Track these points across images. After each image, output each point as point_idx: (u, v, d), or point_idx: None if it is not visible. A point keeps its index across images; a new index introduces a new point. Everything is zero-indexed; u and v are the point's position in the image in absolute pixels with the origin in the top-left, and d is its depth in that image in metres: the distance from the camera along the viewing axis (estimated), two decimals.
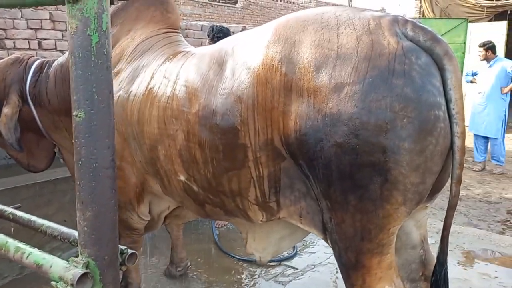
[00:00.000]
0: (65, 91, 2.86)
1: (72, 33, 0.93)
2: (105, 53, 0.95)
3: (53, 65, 2.95)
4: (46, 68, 2.95)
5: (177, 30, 2.77)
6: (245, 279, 3.30)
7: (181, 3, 13.46)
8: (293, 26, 1.85)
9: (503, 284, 3.24)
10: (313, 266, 3.47)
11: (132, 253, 1.11)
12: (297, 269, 3.44)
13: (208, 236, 4.00)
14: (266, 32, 1.93)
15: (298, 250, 3.73)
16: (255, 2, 15.85)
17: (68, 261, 1.02)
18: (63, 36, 4.43)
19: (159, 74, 2.34)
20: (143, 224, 2.76)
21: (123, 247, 1.11)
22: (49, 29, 4.32)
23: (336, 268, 3.04)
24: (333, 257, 1.93)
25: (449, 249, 3.64)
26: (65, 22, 4.44)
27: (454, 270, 3.41)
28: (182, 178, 2.22)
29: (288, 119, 1.78)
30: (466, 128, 7.52)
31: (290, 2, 17.37)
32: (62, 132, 3.01)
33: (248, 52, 1.95)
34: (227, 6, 14.78)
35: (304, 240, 3.90)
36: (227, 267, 3.46)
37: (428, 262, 2.08)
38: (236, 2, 15.60)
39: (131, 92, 2.42)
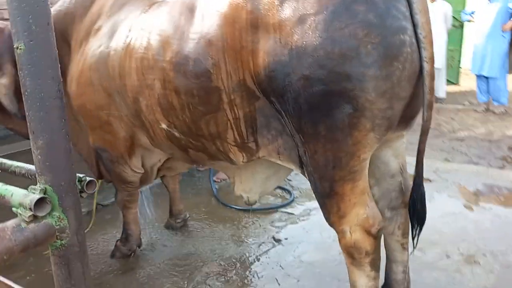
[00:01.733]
0: None
1: None
2: None
3: None
4: None
5: None
6: (243, 226, 3.39)
7: None
8: None
9: (498, 215, 3.29)
10: (309, 211, 3.55)
11: (90, 180, 1.17)
12: (293, 214, 3.52)
13: (207, 190, 4.09)
14: None
15: (295, 197, 3.80)
16: None
17: (27, 189, 1.08)
18: None
19: (136, 27, 2.36)
20: (137, 177, 2.84)
21: (81, 175, 1.17)
22: None
23: None
24: None
25: (445, 185, 3.69)
26: None
27: (449, 204, 3.47)
28: (163, 126, 2.27)
29: (257, 57, 1.79)
30: (468, 65, 7.28)
31: None
32: None
33: None
34: None
35: (301, 188, 3.98)
36: (226, 217, 3.56)
37: (407, 189, 2.12)
38: None
39: (111, 47, 2.45)
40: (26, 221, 1.03)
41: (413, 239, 2.07)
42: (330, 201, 1.87)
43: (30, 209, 1.02)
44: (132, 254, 3.05)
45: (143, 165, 2.85)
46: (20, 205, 1.05)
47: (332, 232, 3.09)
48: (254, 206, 3.68)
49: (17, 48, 1.00)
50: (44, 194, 1.05)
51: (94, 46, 2.56)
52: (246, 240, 3.17)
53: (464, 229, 3.08)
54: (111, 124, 2.61)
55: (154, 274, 2.85)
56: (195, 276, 2.79)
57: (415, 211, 2.00)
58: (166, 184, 3.40)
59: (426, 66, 1.72)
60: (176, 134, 2.26)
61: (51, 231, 1.07)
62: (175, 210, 3.43)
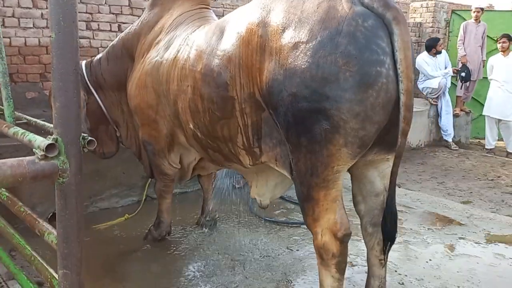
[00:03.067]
0: (116, 66, 3.51)
1: None
2: None
3: (105, 51, 3.63)
4: (95, 58, 3.63)
5: (207, 6, 3.26)
6: (265, 234, 3.68)
7: None
8: None
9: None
10: None
11: (90, 140, 1.57)
12: None
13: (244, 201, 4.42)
14: (254, 1, 2.32)
15: None
16: None
17: (46, 138, 1.51)
18: None
19: (184, 42, 2.83)
20: (173, 171, 3.29)
21: (85, 135, 1.58)
22: (128, 14, 5.06)
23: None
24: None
25: (473, 231, 3.68)
26: (142, 8, 5.14)
27: (467, 247, 3.48)
28: (191, 126, 2.69)
29: (262, 74, 2.14)
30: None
31: None
32: (118, 106, 3.65)
33: (239, 19, 2.35)
34: None
35: None
36: (251, 224, 3.87)
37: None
38: None
39: (164, 57, 2.94)
40: (39, 158, 1.46)
41: (383, 254, 2.26)
42: (307, 205, 2.12)
43: (43, 150, 1.45)
44: (162, 239, 3.48)
45: (181, 162, 3.30)
46: (38, 147, 1.48)
47: None
48: (281, 219, 3.97)
49: (51, 36, 1.45)
50: (56, 142, 1.48)
51: (152, 56, 3.08)
52: (261, 245, 3.46)
53: (473, 272, 3.09)
54: (157, 122, 3.09)
55: (170, 260, 3.25)
56: (207, 265, 3.13)
57: (386, 229, 2.17)
58: (201, 183, 3.80)
59: (402, 97, 1.94)
60: (199, 134, 2.66)
61: (55, 169, 1.47)
62: (206, 209, 3.81)
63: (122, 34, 3.56)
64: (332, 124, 1.93)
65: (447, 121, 7.36)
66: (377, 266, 2.38)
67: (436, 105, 7.46)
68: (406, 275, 3.03)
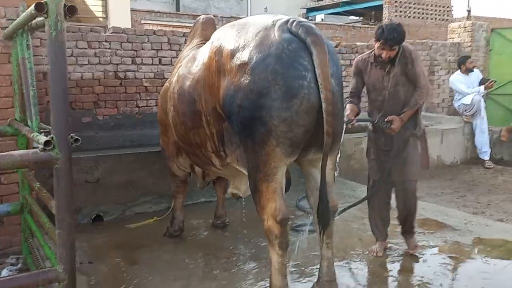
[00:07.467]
0: None
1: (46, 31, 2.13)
2: (60, 40, 2.13)
3: None
4: None
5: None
6: None
7: (323, 27, 14.61)
8: (226, 28, 2.86)
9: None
10: None
11: (76, 139, 2.25)
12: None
13: None
14: (214, 34, 2.96)
15: None
16: (402, 22, 15.94)
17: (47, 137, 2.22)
18: (176, 54, 5.96)
19: (178, 71, 3.52)
20: (182, 174, 3.97)
21: (73, 135, 2.26)
22: (167, 50, 5.92)
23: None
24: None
25: (463, 236, 3.95)
26: (178, 44, 5.99)
27: (451, 247, 3.74)
28: (175, 136, 3.39)
29: (219, 91, 2.73)
30: None
31: (442, 20, 16.88)
32: None
33: (205, 49, 3.03)
34: (370, 27, 15.36)
35: None
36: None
37: (331, 200, 2.72)
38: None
39: (170, 81, 3.68)
40: (40, 150, 2.16)
41: (329, 238, 2.72)
42: (256, 196, 2.64)
43: (42, 144, 2.15)
44: (177, 235, 4.11)
45: (195, 169, 3.93)
46: (40, 142, 2.18)
47: None
48: None
49: (47, 65, 2.16)
50: (52, 139, 2.17)
51: (166, 83, 3.83)
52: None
53: (444, 266, 3.40)
54: (168, 131, 3.80)
55: (181, 249, 3.88)
56: (207, 256, 3.70)
57: (318, 214, 2.61)
58: (216, 190, 4.41)
59: (323, 104, 2.43)
60: (181, 143, 3.34)
61: (51, 158, 2.16)
62: (218, 213, 4.40)
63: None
64: (266, 128, 2.45)
65: (481, 140, 7.37)
66: (324, 249, 2.82)
67: (470, 122, 7.52)
68: (382, 266, 3.42)
